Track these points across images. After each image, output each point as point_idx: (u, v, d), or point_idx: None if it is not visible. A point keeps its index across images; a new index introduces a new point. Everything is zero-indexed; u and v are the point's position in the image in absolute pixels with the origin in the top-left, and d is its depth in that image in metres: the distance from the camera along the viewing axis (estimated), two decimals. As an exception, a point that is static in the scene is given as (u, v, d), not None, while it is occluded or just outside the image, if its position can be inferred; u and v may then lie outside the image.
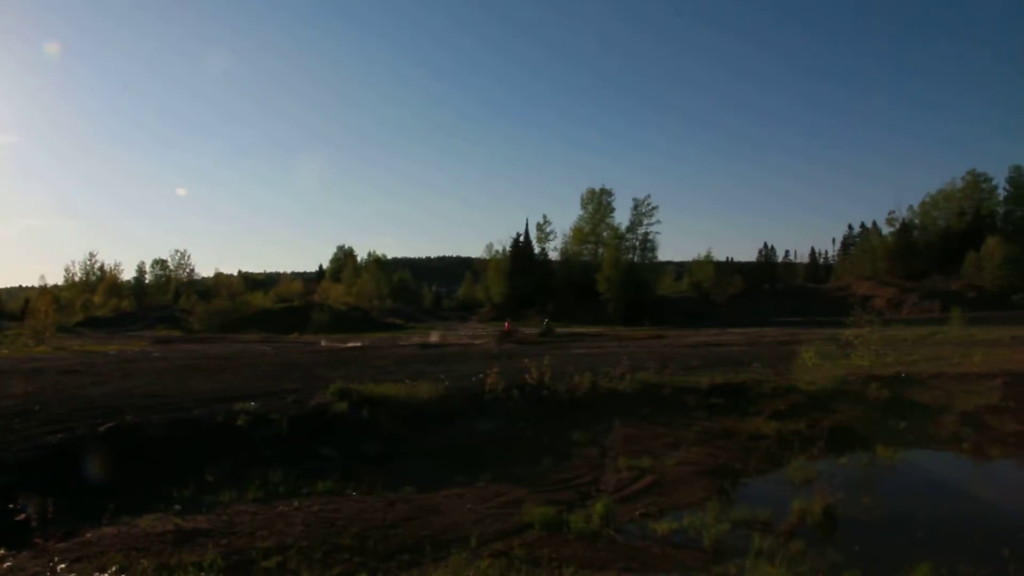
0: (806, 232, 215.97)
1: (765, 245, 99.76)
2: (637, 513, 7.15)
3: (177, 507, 6.71)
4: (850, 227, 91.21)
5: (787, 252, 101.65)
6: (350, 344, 30.15)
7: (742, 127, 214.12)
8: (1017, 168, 72.72)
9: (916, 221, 75.28)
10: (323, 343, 32.34)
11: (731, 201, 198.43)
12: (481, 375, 12.77)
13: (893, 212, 75.73)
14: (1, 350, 28.64)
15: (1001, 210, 73.40)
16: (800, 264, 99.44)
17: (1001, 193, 73.58)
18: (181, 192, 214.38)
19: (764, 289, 72.68)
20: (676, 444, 10.12)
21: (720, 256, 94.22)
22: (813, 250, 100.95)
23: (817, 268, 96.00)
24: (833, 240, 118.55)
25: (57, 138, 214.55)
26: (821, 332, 30.41)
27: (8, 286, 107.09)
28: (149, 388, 12.12)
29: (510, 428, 10.60)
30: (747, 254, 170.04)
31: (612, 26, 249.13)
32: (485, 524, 6.55)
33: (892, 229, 75.25)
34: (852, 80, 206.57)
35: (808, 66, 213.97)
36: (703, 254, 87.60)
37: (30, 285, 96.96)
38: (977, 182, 73.40)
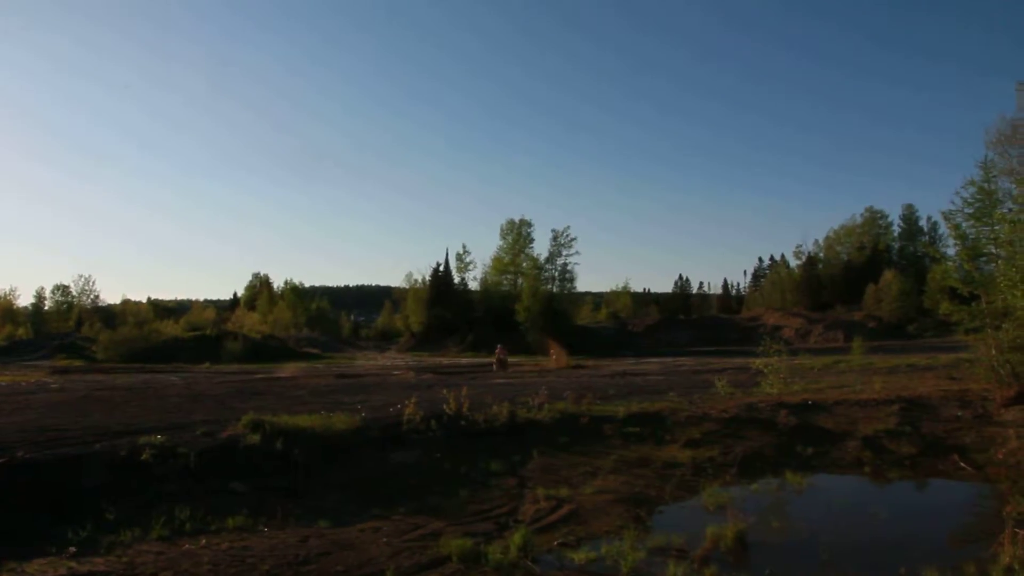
0: (719, 264, 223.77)
1: (680, 277, 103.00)
2: (555, 543, 7.17)
3: (72, 549, 6.32)
4: (760, 260, 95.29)
5: (701, 284, 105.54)
6: (282, 374, 29.23)
7: (657, 161, 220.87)
8: (909, 207, 78.77)
9: (821, 255, 79.28)
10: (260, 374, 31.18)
11: (647, 234, 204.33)
12: (399, 406, 12.60)
13: (800, 246, 79.81)
14: None
15: (896, 245, 78.36)
16: (714, 295, 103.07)
17: (896, 229, 78.69)
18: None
19: (679, 319, 74.56)
20: (594, 473, 10.22)
21: (637, 287, 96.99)
22: (726, 282, 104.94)
23: (729, 299, 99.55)
24: (744, 272, 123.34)
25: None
26: (733, 361, 31.42)
27: None
28: (45, 421, 11.43)
29: (428, 459, 10.47)
30: (663, 285, 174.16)
31: (535, 54, 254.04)
32: (401, 558, 6.43)
33: (799, 262, 79.05)
34: (762, 114, 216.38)
35: (723, 97, 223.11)
36: (621, 285, 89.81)
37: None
38: (875, 219, 78.31)
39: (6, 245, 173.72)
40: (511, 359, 41.98)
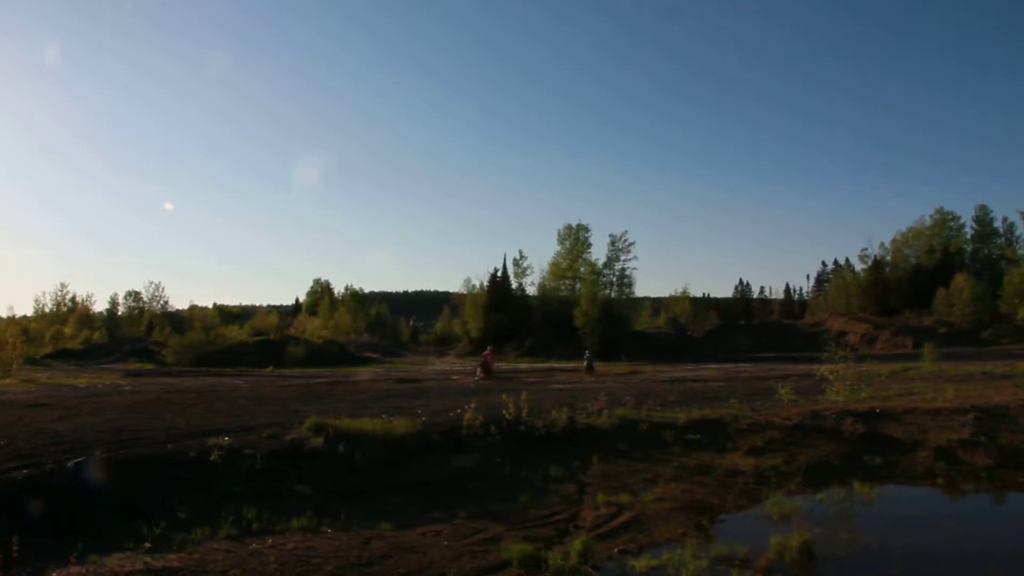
0: (781, 269, 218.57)
1: (740, 281, 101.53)
2: (616, 550, 7.11)
3: (147, 545, 6.56)
4: (824, 264, 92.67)
5: (762, 288, 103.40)
6: (358, 377, 29.96)
7: (719, 165, 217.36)
8: (983, 207, 74.88)
9: (888, 258, 76.65)
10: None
11: (707, 239, 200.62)
12: (458, 410, 12.70)
13: (865, 249, 77.03)
14: (-33, 383, 28.01)
15: (968, 248, 75.15)
16: (775, 300, 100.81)
17: (968, 231, 75.45)
18: (168, 207, 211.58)
19: (740, 325, 73.16)
20: (654, 480, 10.10)
21: (696, 292, 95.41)
22: (788, 286, 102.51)
23: (792, 304, 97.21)
24: (807, 276, 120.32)
25: (23, 167, 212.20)
26: (796, 367, 30.68)
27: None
28: (120, 422, 11.90)
29: (487, 464, 10.52)
30: (723, 290, 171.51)
31: (596, 61, 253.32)
32: (463, 561, 6.48)
33: (864, 266, 76.56)
34: (825, 117, 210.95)
35: (782, 103, 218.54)
36: (680, 290, 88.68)
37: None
38: (945, 220, 75.18)
39: (85, 251, 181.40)
40: (565, 365, 41.76)
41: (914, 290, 68.23)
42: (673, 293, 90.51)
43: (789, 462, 11.07)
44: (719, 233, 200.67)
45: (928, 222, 75.78)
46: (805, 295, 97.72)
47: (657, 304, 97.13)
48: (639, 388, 20.67)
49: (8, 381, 27.79)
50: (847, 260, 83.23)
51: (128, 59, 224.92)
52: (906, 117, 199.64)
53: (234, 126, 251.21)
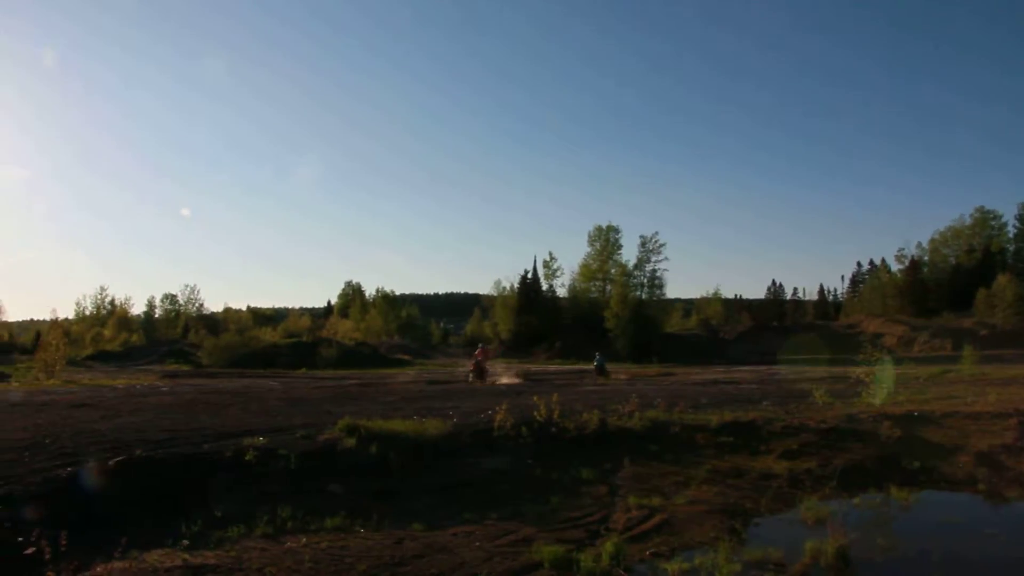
0: (814, 269, 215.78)
1: (773, 282, 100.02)
2: (648, 553, 7.08)
3: (185, 542, 6.69)
4: (859, 264, 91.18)
5: (795, 289, 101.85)
6: (401, 379, 29.99)
7: (750, 165, 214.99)
8: (1025, 205, 72.86)
9: (925, 258, 75.18)
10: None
11: (739, 239, 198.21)
12: (490, 412, 12.74)
13: (902, 249, 75.63)
14: (13, 383, 28.81)
15: (1011, 247, 73.30)
16: (809, 301, 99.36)
17: (1010, 230, 73.62)
18: (185, 212, 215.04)
19: (773, 326, 72.32)
20: (686, 483, 10.04)
21: (728, 293, 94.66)
22: (822, 287, 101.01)
23: (826, 305, 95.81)
24: (842, 277, 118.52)
25: (67, 172, 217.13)
26: (831, 370, 30.24)
27: (20, 319, 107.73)
28: (158, 422, 12.13)
29: (519, 465, 10.53)
30: (755, 291, 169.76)
31: (624, 62, 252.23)
32: (494, 563, 6.50)
33: (901, 266, 75.17)
34: (860, 120, 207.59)
35: (814, 104, 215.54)
36: (711, 291, 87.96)
37: (41, 318, 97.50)
38: (986, 219, 73.54)
39: (123, 254, 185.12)
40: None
41: (953, 291, 66.88)
42: (705, 294, 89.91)
43: (824, 466, 10.92)
44: (751, 234, 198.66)
45: (968, 221, 74.22)
46: (839, 296, 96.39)
47: (688, 306, 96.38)
48: (670, 390, 20.53)
49: (52, 382, 28.48)
50: (883, 261, 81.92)
51: (166, 63, 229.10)
52: (941, 118, 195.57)
53: (270, 131, 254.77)
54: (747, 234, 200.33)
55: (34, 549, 5.58)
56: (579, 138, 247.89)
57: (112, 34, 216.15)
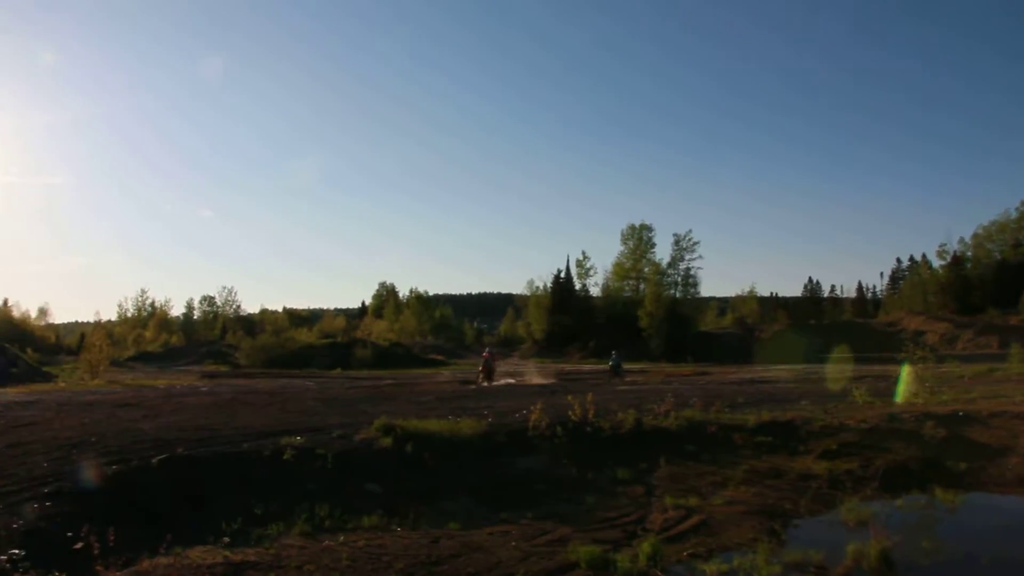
0: (852, 266, 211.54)
1: (810, 280, 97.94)
2: (685, 553, 7.01)
3: (226, 539, 6.80)
4: (898, 261, 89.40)
5: (833, 287, 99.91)
6: (439, 378, 30.57)
7: (786, 161, 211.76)
8: (1076, 198, 70.67)
9: (969, 254, 73.25)
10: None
11: (775, 236, 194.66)
12: (524, 411, 12.74)
13: (944, 244, 73.62)
14: (59, 383, 29.62)
15: (1061, 241, 71.12)
16: (847, 299, 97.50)
17: (1060, 224, 71.37)
18: (206, 213, 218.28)
19: (810, 324, 71.16)
20: (723, 483, 9.94)
21: (764, 291, 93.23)
22: (860, 284, 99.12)
23: (865, 303, 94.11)
24: (881, 274, 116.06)
25: (105, 178, 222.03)
26: (871, 368, 29.71)
27: (65, 321, 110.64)
28: (198, 422, 12.35)
29: (554, 465, 10.52)
30: (792, 289, 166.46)
31: (657, 60, 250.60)
32: (531, 562, 6.49)
33: (943, 262, 73.36)
34: (896, 114, 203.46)
35: (851, 98, 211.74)
36: (747, 289, 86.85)
37: (85, 320, 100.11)
38: (1033, 212, 71.39)
39: (163, 258, 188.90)
40: (631, 366, 41.28)
41: (999, 287, 65.01)
42: (740, 293, 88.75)
43: (865, 466, 10.72)
44: (787, 231, 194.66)
45: (1014, 215, 71.98)
46: (879, 293, 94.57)
47: (723, 304, 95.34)
48: (706, 389, 20.34)
49: (96, 382, 29.22)
50: (923, 256, 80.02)
51: (204, 62, 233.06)
52: (982, 114, 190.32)
53: (306, 131, 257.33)
54: (783, 231, 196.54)
55: (83, 544, 5.73)
56: (612, 137, 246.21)
57: (150, 36, 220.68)
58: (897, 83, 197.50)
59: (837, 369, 22.74)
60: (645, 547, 6.73)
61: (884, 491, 9.74)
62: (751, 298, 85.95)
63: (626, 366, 35.94)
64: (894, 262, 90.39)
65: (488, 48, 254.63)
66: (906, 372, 16.97)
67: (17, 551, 5.83)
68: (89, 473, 8.11)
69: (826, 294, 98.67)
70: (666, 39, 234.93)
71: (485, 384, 25.65)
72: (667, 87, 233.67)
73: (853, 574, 6.46)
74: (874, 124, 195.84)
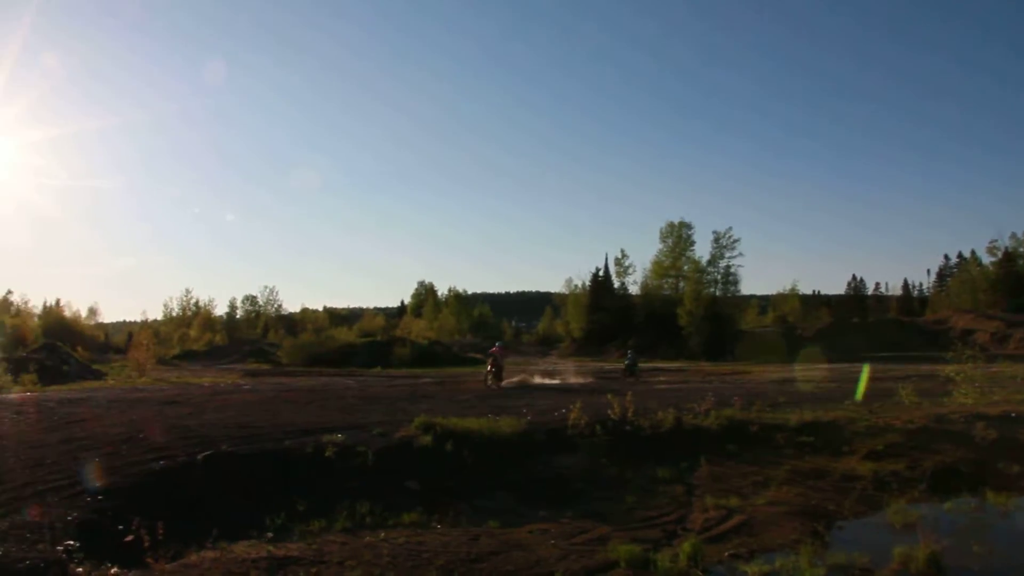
0: (898, 263, 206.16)
1: (854, 277, 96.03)
2: (726, 554, 6.94)
3: (270, 534, 6.92)
4: (946, 257, 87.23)
5: (877, 284, 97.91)
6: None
7: (828, 154, 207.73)
8: None
9: (1021, 249, 71.12)
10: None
11: (817, 232, 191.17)
12: (563, 410, 12.72)
13: (995, 240, 71.58)
14: (109, 380, 30.45)
15: (1118, 236, 68.64)
16: (892, 296, 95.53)
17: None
18: (229, 218, 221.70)
19: (854, 323, 69.78)
20: (765, 483, 9.80)
21: (806, 289, 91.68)
22: (906, 282, 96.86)
23: (911, 301, 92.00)
24: (928, 271, 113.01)
25: (152, 181, 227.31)
26: (918, 368, 29.04)
27: (113, 321, 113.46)
28: (242, 419, 12.56)
29: (593, 464, 10.49)
30: (835, 287, 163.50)
31: (688, 55, 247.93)
32: (570, 560, 6.48)
33: (994, 258, 71.32)
34: (943, 110, 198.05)
35: (898, 97, 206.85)
36: (788, 287, 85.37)
37: (133, 320, 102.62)
38: (1088, 208, 69.10)
39: (206, 258, 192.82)
40: (670, 365, 40.85)
41: (1052, 285, 63.10)
42: (781, 290, 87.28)
43: (912, 468, 10.48)
44: (830, 228, 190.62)
45: (1067, 210, 69.80)
46: (926, 291, 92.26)
47: (764, 302, 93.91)
48: (747, 388, 20.08)
49: (143, 380, 29.97)
50: (972, 253, 77.90)
51: (248, 65, 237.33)
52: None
53: (344, 133, 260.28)
54: (826, 228, 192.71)
55: (134, 537, 5.89)
56: (650, 136, 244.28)
57: (195, 40, 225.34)
58: (944, 82, 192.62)
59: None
60: (686, 547, 6.67)
61: (932, 493, 9.53)
62: (793, 296, 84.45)
63: (664, 365, 35.42)
64: (942, 259, 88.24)
65: (523, 49, 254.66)
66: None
67: (72, 543, 6.02)
68: (138, 468, 8.32)
69: (870, 292, 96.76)
70: (704, 39, 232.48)
71: (493, 385, 21.99)
72: (704, 87, 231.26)
73: (900, 578, 6.32)
74: (922, 121, 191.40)
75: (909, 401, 15.00)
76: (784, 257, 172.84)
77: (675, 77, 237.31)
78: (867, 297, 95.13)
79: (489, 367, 23.08)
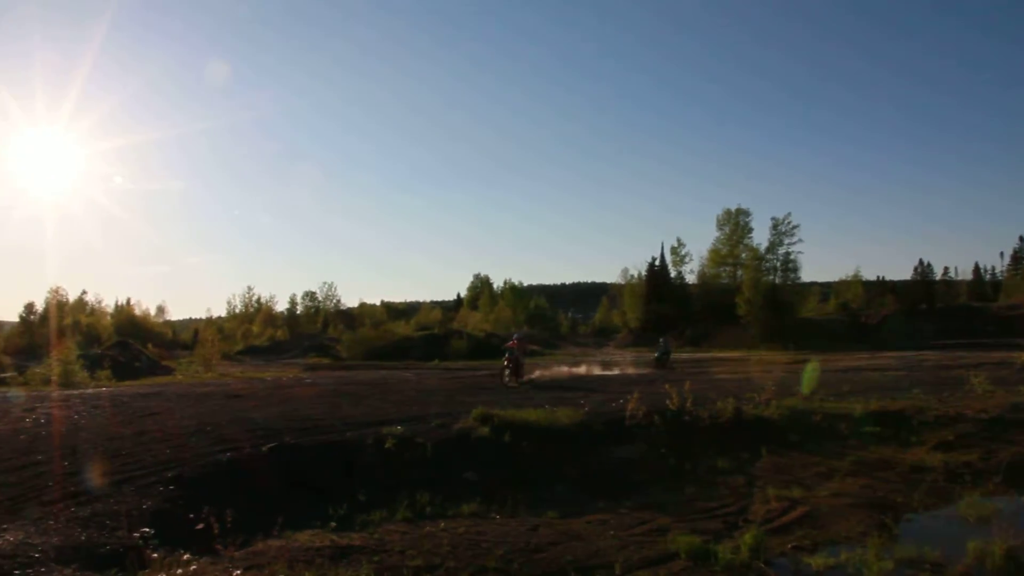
0: (969, 247, 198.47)
1: (921, 262, 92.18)
2: (789, 546, 6.81)
3: (333, 524, 7.08)
4: (1021, 239, 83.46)
5: (946, 269, 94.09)
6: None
7: (891, 133, 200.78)
8: None
9: (1102, 231, 67.71)
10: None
11: (881, 216, 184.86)
12: (621, 400, 12.65)
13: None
14: (177, 376, 31.56)
15: None
16: (962, 281, 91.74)
17: None
18: (265, 220, 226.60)
19: (921, 309, 67.44)
20: (829, 474, 9.58)
21: (870, 275, 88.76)
22: (977, 266, 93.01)
23: (983, 285, 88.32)
24: (1001, 254, 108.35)
25: (218, 182, 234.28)
26: (990, 355, 27.90)
27: (180, 319, 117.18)
28: (304, 412, 12.86)
29: (652, 454, 10.42)
30: (900, 272, 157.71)
31: (746, 39, 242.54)
32: (629, 551, 6.45)
33: (1073, 240, 68.05)
34: (1013, 86, 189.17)
35: (964, 60, 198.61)
36: (851, 273, 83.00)
37: (198, 317, 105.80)
38: None
39: (266, 256, 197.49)
40: (729, 354, 40.11)
41: None
42: (844, 277, 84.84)
43: (986, 459, 10.10)
44: (894, 211, 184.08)
45: None
46: (999, 275, 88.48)
47: (826, 289, 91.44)
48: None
49: (209, 375, 30.99)
50: (1050, 234, 74.32)
51: (298, 64, 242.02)
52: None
53: (402, 129, 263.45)
54: (890, 211, 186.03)
55: (204, 525, 6.11)
56: (705, 124, 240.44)
57: (232, 45, 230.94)
58: (1012, 64, 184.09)
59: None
60: (747, 538, 6.56)
61: (1009, 486, 9.16)
62: (856, 282, 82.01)
63: (723, 355, 34.52)
64: (1016, 241, 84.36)
65: (577, 38, 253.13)
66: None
67: (147, 530, 6.29)
68: (207, 459, 8.61)
69: (939, 277, 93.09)
70: (760, 22, 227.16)
71: (511, 382, 19.55)
72: (761, 72, 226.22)
73: (974, 573, 6.09)
74: (988, 103, 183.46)
75: (982, 390, 14.46)
76: (846, 243, 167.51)
77: (733, 63, 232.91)
78: (935, 282, 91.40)
79: (505, 362, 20.43)
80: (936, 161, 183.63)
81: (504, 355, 20.97)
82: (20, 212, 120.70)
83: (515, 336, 23.00)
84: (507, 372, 19.96)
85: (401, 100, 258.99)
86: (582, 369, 28.71)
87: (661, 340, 30.69)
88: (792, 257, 63.52)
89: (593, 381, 20.74)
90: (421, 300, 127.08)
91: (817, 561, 6.30)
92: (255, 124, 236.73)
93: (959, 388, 15.17)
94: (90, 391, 19.50)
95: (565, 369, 28.67)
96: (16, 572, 5.16)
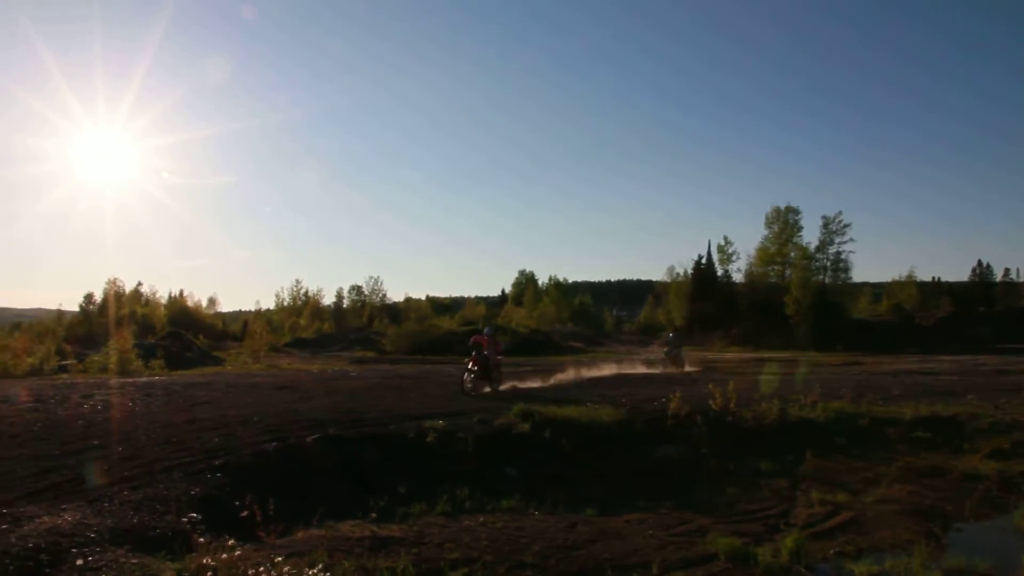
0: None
1: (979, 263, 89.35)
2: (831, 551, 6.69)
3: (373, 515, 7.18)
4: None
5: (1007, 270, 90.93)
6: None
7: (947, 129, 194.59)
8: None
9: None
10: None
11: (937, 214, 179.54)
12: (663, 399, 12.57)
13: None
14: (226, 366, 32.33)
15: None
16: (1023, 283, 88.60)
17: None
18: (284, 215, 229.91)
19: (979, 312, 65.30)
20: (875, 480, 9.38)
21: (925, 276, 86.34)
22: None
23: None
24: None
25: (266, 177, 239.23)
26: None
27: (230, 310, 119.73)
28: (348, 404, 13.07)
29: (693, 455, 10.33)
30: (957, 273, 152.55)
31: (796, 49, 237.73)
32: (668, 551, 6.43)
33: None
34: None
35: (1000, 87, 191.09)
36: (904, 274, 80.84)
37: (247, 309, 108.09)
38: None
39: (316, 250, 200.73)
40: (776, 355, 39.36)
41: None
42: (897, 277, 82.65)
43: (1044, 468, 9.76)
44: (952, 210, 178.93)
45: None
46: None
47: (878, 290, 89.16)
48: (857, 380, 19.22)
49: (257, 366, 31.67)
50: (1119, 236, 71.25)
51: (346, 64, 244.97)
52: None
53: (448, 128, 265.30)
54: (947, 210, 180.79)
55: (248, 512, 6.28)
56: (754, 121, 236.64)
57: (297, 59, 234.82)
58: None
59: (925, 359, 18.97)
60: (788, 542, 6.47)
61: (1067, 497, 8.84)
62: (909, 283, 79.82)
63: (770, 355, 33.82)
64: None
65: (620, 40, 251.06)
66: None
67: (194, 515, 6.48)
68: (253, 448, 8.82)
69: (998, 278, 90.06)
70: (809, 24, 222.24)
71: (473, 389, 15.74)
72: (800, 78, 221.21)
73: (1027, 586, 5.91)
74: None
75: (1041, 396, 13.98)
76: (900, 242, 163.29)
77: (784, 62, 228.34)
78: (994, 284, 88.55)
79: (470, 363, 16.26)
80: (996, 156, 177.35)
81: (470, 353, 16.69)
82: (82, 205, 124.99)
83: (485, 331, 18.27)
84: (470, 375, 15.89)
85: (449, 101, 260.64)
86: (605, 371, 25.68)
87: (671, 334, 31.27)
88: (843, 256, 62.05)
89: (609, 385, 18.61)
90: (466, 295, 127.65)
91: (860, 568, 6.17)
92: (306, 124, 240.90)
93: (1017, 395, 14.69)
94: (144, 379, 20.13)
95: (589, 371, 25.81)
96: (73, 550, 5.37)
